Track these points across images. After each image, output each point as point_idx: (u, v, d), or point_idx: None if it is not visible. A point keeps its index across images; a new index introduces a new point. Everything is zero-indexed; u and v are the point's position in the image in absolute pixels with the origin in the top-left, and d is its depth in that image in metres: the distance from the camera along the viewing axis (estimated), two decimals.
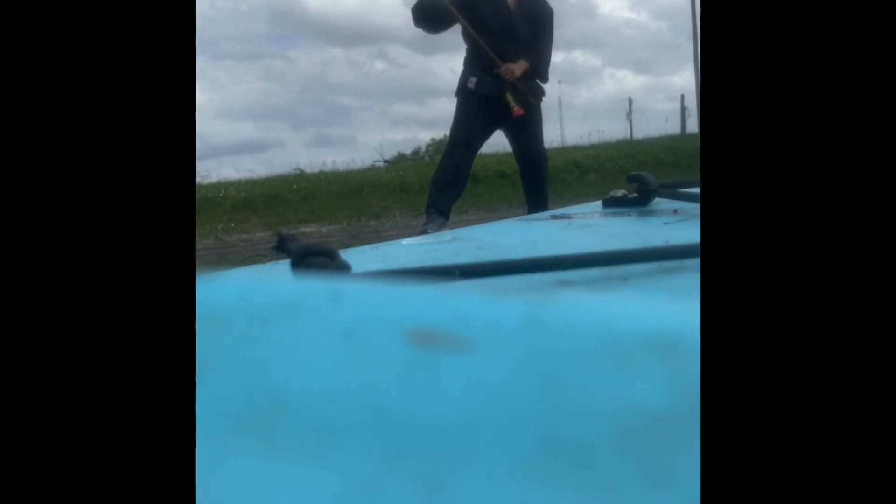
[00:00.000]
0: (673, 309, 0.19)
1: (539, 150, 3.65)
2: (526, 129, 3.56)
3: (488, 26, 3.41)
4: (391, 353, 0.18)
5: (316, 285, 0.21)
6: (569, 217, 0.85)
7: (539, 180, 3.70)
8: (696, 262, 0.42)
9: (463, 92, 3.51)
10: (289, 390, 0.17)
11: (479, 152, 3.64)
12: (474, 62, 3.51)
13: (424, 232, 3.22)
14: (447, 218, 3.54)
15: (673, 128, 13.03)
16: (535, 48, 3.51)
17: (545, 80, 3.60)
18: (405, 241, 0.76)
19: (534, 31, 3.52)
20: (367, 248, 0.72)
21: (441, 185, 3.56)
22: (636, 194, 0.86)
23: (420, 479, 0.15)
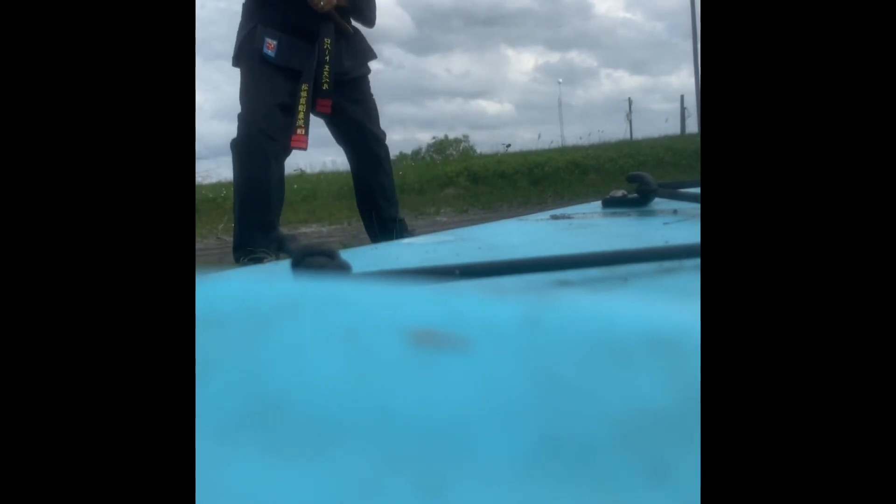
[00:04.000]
0: (673, 309, 0.19)
1: (377, 136, 2.53)
2: (358, 111, 2.45)
3: None
4: (391, 353, 0.18)
5: (316, 285, 0.21)
6: (569, 217, 0.85)
7: (379, 178, 2.55)
8: (696, 262, 0.42)
9: (254, 61, 2.30)
10: (289, 390, 0.17)
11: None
12: (272, 16, 2.30)
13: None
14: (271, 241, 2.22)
15: (673, 128, 13.04)
16: None
17: (371, 23, 2.51)
18: (405, 240, 0.76)
19: None
20: (367, 248, 0.72)
21: (251, 203, 2.27)
22: (636, 194, 0.86)
23: (420, 479, 0.15)
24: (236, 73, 2.38)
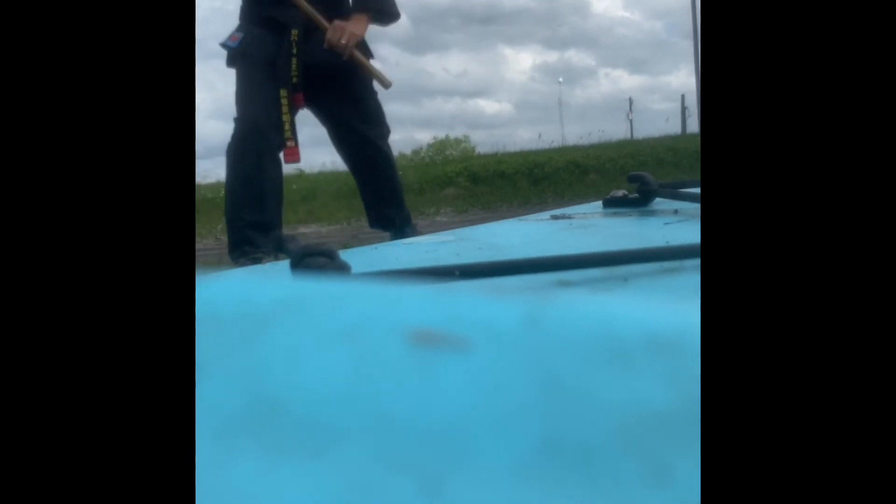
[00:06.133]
0: (673, 309, 0.19)
1: (369, 136, 2.36)
2: (339, 99, 2.30)
3: None
4: (391, 353, 0.18)
5: (316, 285, 0.21)
6: (569, 217, 0.85)
7: (385, 173, 2.40)
8: (697, 262, 0.42)
9: (230, 59, 2.29)
10: (288, 390, 0.17)
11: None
12: (246, 10, 2.30)
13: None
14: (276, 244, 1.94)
15: (673, 128, 13.02)
16: None
17: (395, 17, 2.38)
18: (405, 240, 0.76)
19: None
20: (367, 248, 0.72)
21: (242, 203, 2.19)
22: (636, 194, 0.86)
23: (420, 479, 0.15)
24: (231, 74, 2.38)
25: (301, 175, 9.51)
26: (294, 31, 2.21)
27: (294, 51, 2.22)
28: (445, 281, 0.41)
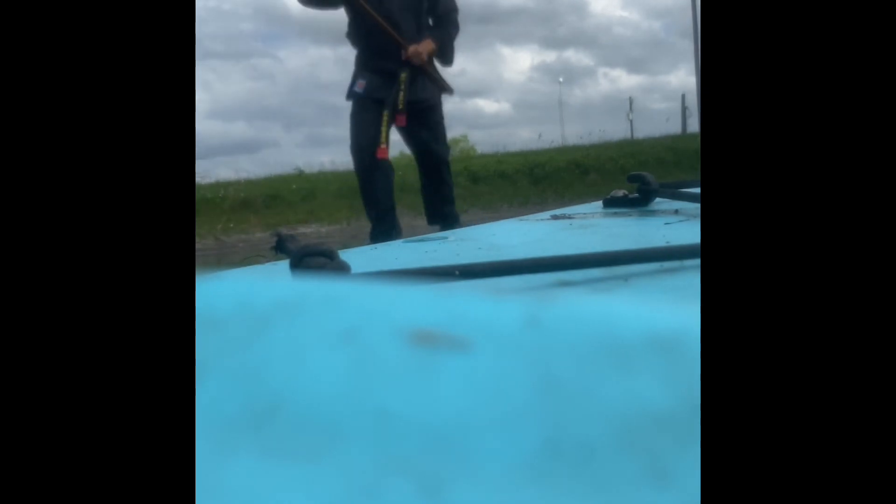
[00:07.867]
0: (673, 309, 0.19)
1: (441, 155, 3.39)
2: (425, 126, 3.28)
3: (387, 8, 3.12)
4: (391, 353, 0.18)
5: (315, 286, 0.21)
6: (569, 217, 0.85)
7: (439, 185, 3.39)
8: (697, 262, 0.42)
9: (352, 97, 3.25)
10: (288, 391, 0.17)
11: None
12: (365, 62, 3.24)
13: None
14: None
15: (674, 127, 13.01)
16: (440, 28, 3.27)
17: (450, 63, 3.36)
18: (405, 240, 0.76)
19: (435, 12, 3.27)
20: (367, 248, 0.72)
21: (366, 202, 3.25)
22: (637, 194, 0.86)
23: (419, 480, 0.15)
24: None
25: (301, 175, 9.49)
26: (403, 75, 3.15)
27: (402, 87, 3.15)
28: (445, 281, 0.41)
